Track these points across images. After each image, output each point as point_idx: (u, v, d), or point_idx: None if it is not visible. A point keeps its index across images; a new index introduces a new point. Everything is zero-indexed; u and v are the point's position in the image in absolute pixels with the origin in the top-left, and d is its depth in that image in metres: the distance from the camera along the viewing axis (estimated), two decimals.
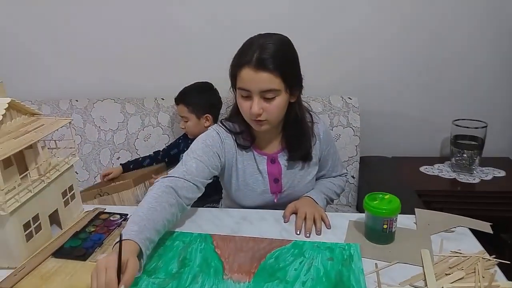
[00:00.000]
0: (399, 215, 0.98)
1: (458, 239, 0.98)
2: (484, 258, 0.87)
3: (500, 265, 0.86)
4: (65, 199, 1.06)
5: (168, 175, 1.05)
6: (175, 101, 1.78)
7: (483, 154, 1.87)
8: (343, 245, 0.96)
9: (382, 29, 1.89)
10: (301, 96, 1.16)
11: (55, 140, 1.09)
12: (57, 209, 1.03)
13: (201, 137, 1.16)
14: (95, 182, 1.93)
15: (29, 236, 0.93)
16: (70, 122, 1.06)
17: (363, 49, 1.93)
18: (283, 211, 1.12)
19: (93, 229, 1.03)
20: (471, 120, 1.85)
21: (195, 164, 1.07)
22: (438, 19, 1.86)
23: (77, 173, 1.93)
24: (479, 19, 1.85)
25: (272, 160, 1.19)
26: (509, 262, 0.87)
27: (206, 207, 1.28)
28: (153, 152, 1.89)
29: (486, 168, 1.90)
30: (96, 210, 1.13)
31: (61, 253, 0.93)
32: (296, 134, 1.17)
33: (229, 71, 1.08)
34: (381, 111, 2.03)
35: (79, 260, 0.91)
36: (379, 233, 0.95)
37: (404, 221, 1.05)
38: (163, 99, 1.96)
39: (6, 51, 2.07)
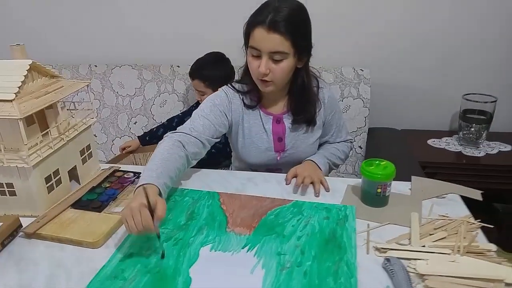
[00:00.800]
0: (396, 181, 1.05)
1: (448, 204, 1.02)
2: (469, 222, 0.92)
3: (486, 231, 0.91)
4: (83, 157, 1.14)
5: (176, 131, 1.13)
6: (190, 76, 1.80)
7: (493, 129, 1.89)
8: (340, 206, 1.02)
9: (396, 3, 1.89)
10: (314, 66, 1.21)
11: (74, 102, 1.17)
12: (75, 165, 1.12)
13: (210, 97, 1.23)
14: (116, 155, 2.00)
15: (50, 188, 1.02)
16: (88, 85, 1.13)
17: (376, 22, 1.93)
18: (285, 174, 1.18)
19: (108, 185, 1.12)
20: (481, 94, 1.86)
21: (201, 122, 1.15)
22: None
23: (95, 136, 2.03)
24: None
25: (278, 121, 1.25)
26: (492, 226, 0.92)
27: None
28: (167, 120, 1.95)
29: (494, 142, 1.92)
30: (112, 168, 1.21)
31: (79, 204, 1.02)
32: (301, 100, 1.21)
33: (243, 29, 1.13)
34: (393, 83, 2.05)
35: (95, 212, 0.99)
36: (373, 197, 1.01)
37: (399, 187, 1.10)
38: (178, 66, 2.01)
39: (27, 15, 2.15)
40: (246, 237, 0.91)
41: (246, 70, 1.19)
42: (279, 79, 1.13)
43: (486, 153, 1.84)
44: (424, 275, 0.77)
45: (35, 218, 0.97)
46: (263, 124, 1.25)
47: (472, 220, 0.93)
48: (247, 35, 1.11)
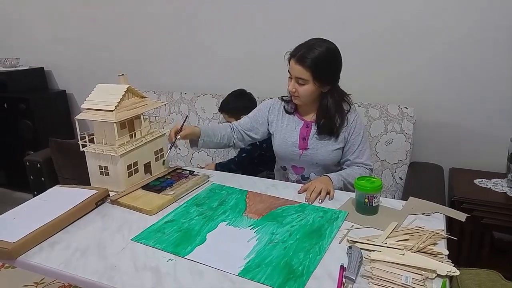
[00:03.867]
0: (392, 199, 1.31)
1: (429, 220, 1.21)
2: (437, 233, 1.10)
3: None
4: (156, 156, 1.56)
5: (232, 123, 1.71)
6: (218, 110, 2.22)
7: None
8: (336, 211, 1.28)
9: (445, 45, 2.05)
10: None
11: (155, 116, 1.61)
12: (150, 161, 1.54)
13: (259, 105, 1.77)
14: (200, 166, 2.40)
15: (130, 174, 1.44)
16: (165, 105, 1.56)
17: (426, 63, 2.11)
18: (301, 185, 1.46)
19: (169, 177, 1.52)
20: None
21: (244, 120, 1.72)
22: (499, 35, 1.96)
23: (180, 149, 2.51)
24: None
25: (307, 125, 1.63)
26: (456, 238, 1.09)
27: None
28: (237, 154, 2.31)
29: None
30: (176, 167, 1.62)
31: (146, 187, 1.44)
32: (325, 116, 1.56)
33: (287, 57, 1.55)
34: (440, 122, 2.17)
35: (155, 192, 1.40)
36: (362, 205, 1.25)
37: (394, 203, 1.32)
38: None
39: (139, 57, 2.78)
40: (254, 220, 1.22)
41: None
42: (302, 96, 1.53)
43: None
44: (374, 260, 1.00)
45: (117, 192, 1.40)
46: (295, 126, 1.63)
47: (442, 233, 1.10)
48: (288, 62, 1.52)
